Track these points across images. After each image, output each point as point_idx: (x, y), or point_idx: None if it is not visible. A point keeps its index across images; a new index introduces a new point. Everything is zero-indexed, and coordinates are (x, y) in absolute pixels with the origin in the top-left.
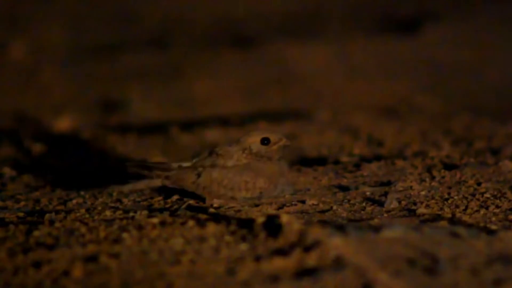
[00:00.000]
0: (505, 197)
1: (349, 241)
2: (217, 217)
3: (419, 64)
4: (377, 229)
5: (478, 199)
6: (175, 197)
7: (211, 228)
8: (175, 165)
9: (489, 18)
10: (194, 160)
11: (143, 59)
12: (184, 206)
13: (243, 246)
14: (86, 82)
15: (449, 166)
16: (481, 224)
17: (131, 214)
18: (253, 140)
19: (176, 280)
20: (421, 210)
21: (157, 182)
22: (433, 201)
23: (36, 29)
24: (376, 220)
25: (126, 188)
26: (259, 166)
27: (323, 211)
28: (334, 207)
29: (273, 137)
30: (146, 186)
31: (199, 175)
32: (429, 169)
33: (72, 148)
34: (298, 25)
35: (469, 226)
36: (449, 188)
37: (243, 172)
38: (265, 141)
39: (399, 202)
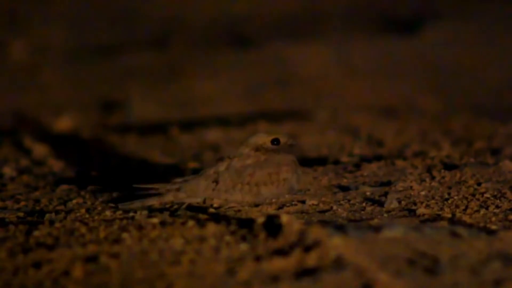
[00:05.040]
0: (505, 197)
1: (349, 241)
2: (217, 217)
3: (419, 64)
4: (377, 229)
5: (478, 199)
6: None
7: (211, 228)
8: (179, 180)
9: (489, 18)
10: (201, 172)
11: (143, 59)
12: (184, 206)
13: (243, 246)
14: (86, 82)
15: (449, 166)
16: (481, 224)
17: (131, 214)
18: (264, 141)
19: (176, 280)
20: (421, 210)
21: (169, 197)
22: (433, 201)
23: (36, 29)
24: (376, 220)
25: (136, 205)
26: (277, 158)
27: (323, 211)
28: (334, 207)
29: (282, 138)
30: (158, 202)
31: (217, 182)
32: (429, 169)
33: (72, 148)
34: (298, 25)
35: (469, 226)
36: (449, 188)
37: (263, 165)
38: (275, 142)
39: (399, 202)
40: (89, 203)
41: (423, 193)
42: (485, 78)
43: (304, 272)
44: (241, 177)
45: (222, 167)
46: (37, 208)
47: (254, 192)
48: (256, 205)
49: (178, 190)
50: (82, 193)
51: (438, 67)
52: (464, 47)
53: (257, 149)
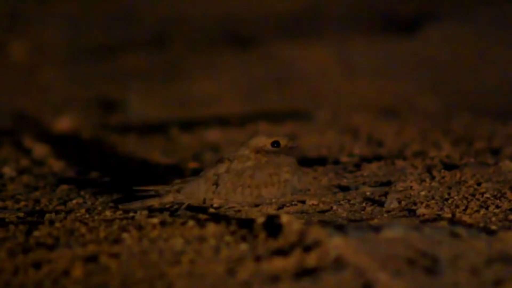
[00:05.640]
0: (505, 197)
1: (349, 241)
2: (217, 217)
3: (419, 64)
4: (377, 229)
5: (478, 199)
6: None
7: (211, 228)
8: (179, 182)
9: (489, 18)
10: (201, 174)
11: (143, 59)
12: (184, 206)
13: (243, 246)
14: (86, 82)
15: (449, 166)
16: (481, 224)
17: (131, 214)
18: (264, 143)
19: (176, 280)
20: (421, 210)
21: (169, 198)
22: (433, 201)
23: (36, 29)
24: (376, 220)
25: (136, 205)
26: (278, 160)
27: (323, 211)
28: (334, 207)
29: (282, 140)
30: (157, 203)
31: (217, 185)
32: (429, 169)
33: (72, 148)
34: (298, 25)
35: (469, 226)
36: (449, 188)
37: (264, 167)
38: (275, 144)
39: (399, 202)
40: (89, 203)
41: (423, 193)
42: (485, 78)
43: (304, 272)
44: (241, 179)
45: (222, 169)
46: (37, 208)
47: (255, 195)
48: (256, 205)
49: (178, 191)
50: (82, 193)
51: (438, 67)
52: (464, 47)
53: (258, 151)
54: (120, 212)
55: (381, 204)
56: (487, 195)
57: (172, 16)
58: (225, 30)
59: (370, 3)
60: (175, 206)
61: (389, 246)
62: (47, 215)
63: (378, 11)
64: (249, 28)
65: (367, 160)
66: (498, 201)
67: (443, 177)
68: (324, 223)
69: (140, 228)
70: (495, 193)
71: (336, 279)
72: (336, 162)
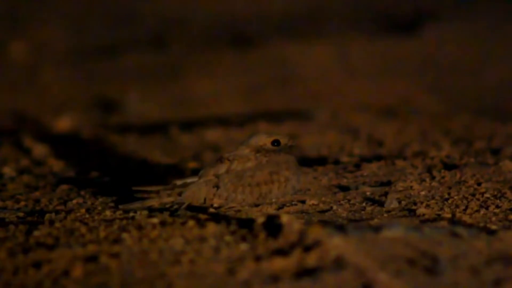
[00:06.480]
0: (505, 197)
1: (349, 241)
2: (217, 217)
3: (419, 64)
4: (377, 229)
5: (478, 199)
6: None
7: (211, 228)
8: (179, 182)
9: (489, 18)
10: (200, 173)
11: (143, 59)
12: (184, 206)
13: (243, 246)
14: (86, 82)
15: (449, 166)
16: (481, 224)
17: (131, 214)
18: (264, 142)
19: (176, 280)
20: (421, 210)
21: (170, 199)
22: (433, 201)
23: (36, 29)
24: (376, 220)
25: (136, 205)
26: (278, 159)
27: (323, 211)
28: (334, 207)
29: (282, 139)
30: (157, 203)
31: (218, 187)
32: (429, 169)
33: (72, 148)
34: (298, 25)
35: (469, 226)
36: (449, 188)
37: (264, 167)
38: (275, 143)
39: (399, 202)
40: (89, 203)
41: (423, 193)
42: (485, 78)
43: (304, 272)
44: (242, 180)
45: (222, 170)
46: (37, 208)
47: (256, 195)
48: (256, 205)
49: (179, 195)
50: (82, 193)
51: (438, 67)
52: (464, 47)
53: (258, 150)
54: (120, 212)
55: (381, 204)
56: (487, 195)
57: (172, 16)
58: (225, 30)
59: (370, 3)
60: (175, 206)
61: (389, 246)
62: (47, 215)
63: (378, 11)
64: (249, 28)
65: (367, 160)
66: (498, 201)
67: (443, 177)
68: (324, 223)
69: (140, 228)
70: (495, 193)
71: (336, 279)
72: (336, 162)
